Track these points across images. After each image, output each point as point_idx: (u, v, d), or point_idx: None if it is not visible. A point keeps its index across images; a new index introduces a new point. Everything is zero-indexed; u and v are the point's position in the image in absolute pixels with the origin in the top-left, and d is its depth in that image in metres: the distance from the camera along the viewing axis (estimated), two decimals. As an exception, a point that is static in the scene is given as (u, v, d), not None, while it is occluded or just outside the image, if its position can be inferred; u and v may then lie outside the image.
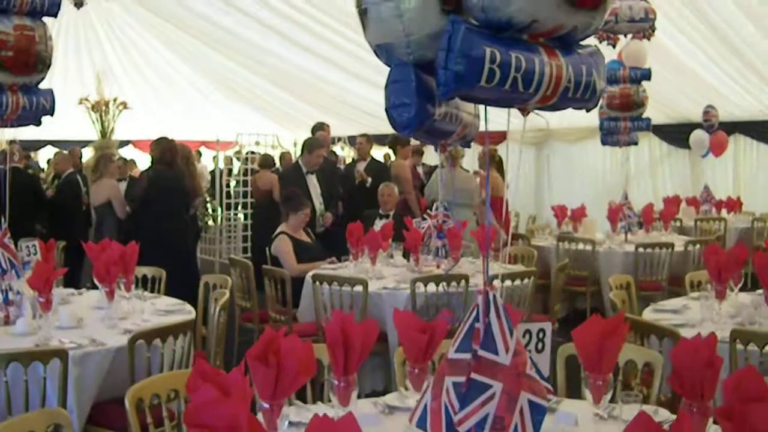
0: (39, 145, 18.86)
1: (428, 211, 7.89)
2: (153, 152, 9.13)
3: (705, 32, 11.36)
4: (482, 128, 2.48)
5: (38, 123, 6.08)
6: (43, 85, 5.92)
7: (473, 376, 2.39)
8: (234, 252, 13.91)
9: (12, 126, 5.97)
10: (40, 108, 5.90)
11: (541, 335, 2.70)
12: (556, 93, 2.57)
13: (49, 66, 5.77)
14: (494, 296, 2.44)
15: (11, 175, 6.23)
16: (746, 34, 11.22)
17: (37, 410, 4.10)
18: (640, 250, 9.05)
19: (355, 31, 12.76)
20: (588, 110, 2.93)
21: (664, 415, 3.42)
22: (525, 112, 2.81)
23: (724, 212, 13.26)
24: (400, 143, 11.04)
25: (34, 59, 5.59)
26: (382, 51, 2.68)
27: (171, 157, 9.03)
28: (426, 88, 2.58)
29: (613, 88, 9.78)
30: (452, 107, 2.63)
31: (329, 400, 3.45)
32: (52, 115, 6.05)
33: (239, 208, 14.21)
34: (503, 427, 2.36)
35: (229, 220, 14.57)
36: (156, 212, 8.86)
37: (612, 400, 3.31)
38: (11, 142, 8.64)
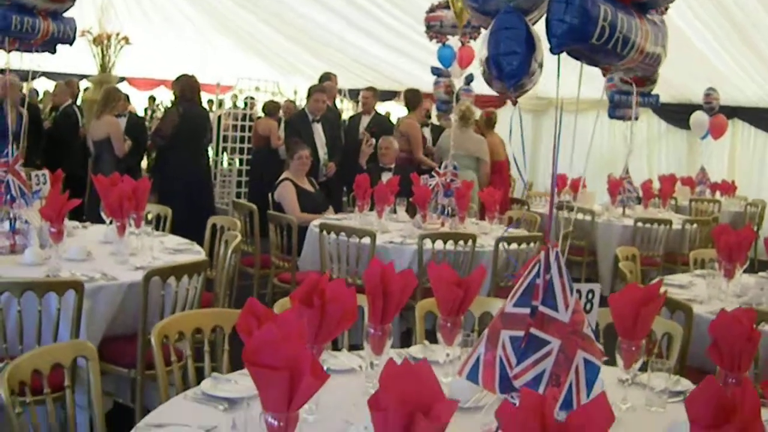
0: (33, 75, 18.62)
1: (437, 169, 7.87)
2: (175, 90, 9.07)
3: (715, 14, 11.31)
4: (558, 100, 2.44)
5: (54, 51, 6.02)
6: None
7: (532, 331, 2.38)
8: (227, 197, 13.85)
9: (29, 51, 5.90)
10: (65, 36, 5.84)
11: (590, 296, 2.68)
12: (640, 57, 2.56)
13: (76, -4, 5.72)
14: (557, 253, 2.43)
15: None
16: (757, 18, 11.18)
17: (64, 341, 4.08)
18: (639, 224, 9.08)
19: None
20: (645, 76, 2.93)
21: (686, 385, 3.44)
22: (514, 101, 2.80)
23: (718, 194, 13.31)
24: (417, 101, 10.92)
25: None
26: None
27: (193, 94, 9.01)
28: (532, 38, 2.55)
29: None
30: (538, 62, 2.61)
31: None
32: (71, 44, 5.99)
33: (236, 153, 14.13)
34: (559, 383, 2.36)
35: (230, 164, 14.48)
36: (186, 149, 8.87)
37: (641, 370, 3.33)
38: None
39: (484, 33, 2.68)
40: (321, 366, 2.14)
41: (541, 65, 2.67)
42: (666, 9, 2.89)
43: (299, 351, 2.10)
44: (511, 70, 2.53)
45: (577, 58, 2.53)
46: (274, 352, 2.10)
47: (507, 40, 2.52)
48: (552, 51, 2.43)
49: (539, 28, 2.58)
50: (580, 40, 2.39)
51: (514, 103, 2.69)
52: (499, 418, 1.87)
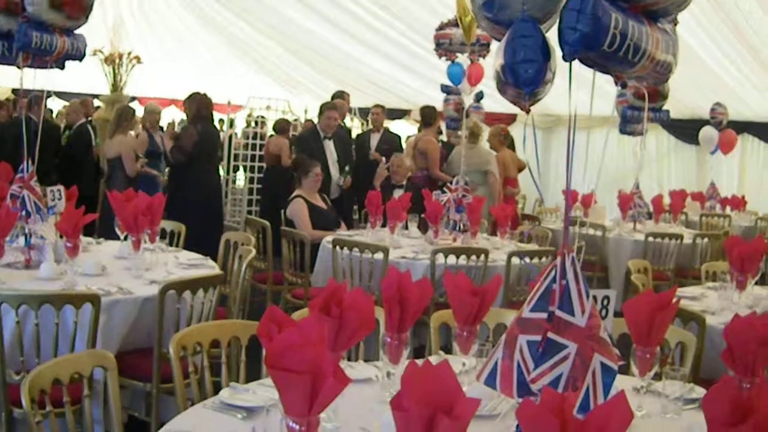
0: (48, 95, 18.69)
1: (448, 184, 7.90)
2: (189, 107, 9.13)
3: (724, 29, 11.31)
4: (570, 106, 2.48)
5: (63, 67, 6.08)
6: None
7: (549, 335, 2.41)
8: (238, 215, 13.91)
9: (42, 68, 5.96)
10: (76, 52, 5.90)
11: (605, 302, 2.71)
12: (651, 65, 2.60)
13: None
14: (572, 258, 2.45)
15: (39, 121, 6.20)
16: (766, 34, 11.19)
17: (84, 351, 4.10)
18: (650, 239, 9.08)
19: (373, 2, 12.75)
20: (656, 84, 2.96)
21: (700, 392, 3.45)
22: (527, 109, 2.83)
23: (728, 209, 13.30)
24: (433, 118, 10.96)
25: (87, 2, 5.60)
26: (494, 4, 2.67)
27: (207, 112, 9.08)
28: (547, 46, 2.59)
29: (643, 77, 9.72)
30: (552, 71, 2.64)
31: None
32: (81, 60, 6.05)
33: (246, 171, 14.20)
34: (576, 387, 2.38)
35: (243, 182, 14.53)
36: (202, 165, 8.93)
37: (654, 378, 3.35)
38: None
39: (500, 43, 2.71)
40: (342, 370, 2.16)
41: (554, 75, 2.71)
42: (676, 21, 2.92)
43: (321, 355, 2.13)
44: (528, 78, 2.56)
45: (589, 66, 2.56)
46: (295, 356, 2.12)
47: (524, 48, 2.56)
48: (564, 58, 2.47)
49: (550, 36, 2.63)
50: (591, 48, 2.43)
51: (527, 111, 2.72)
52: (519, 417, 1.89)
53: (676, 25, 2.89)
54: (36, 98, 9.33)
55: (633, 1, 2.54)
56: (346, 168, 9.92)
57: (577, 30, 2.39)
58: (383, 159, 10.95)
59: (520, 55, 2.56)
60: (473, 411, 1.85)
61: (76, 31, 5.89)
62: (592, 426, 1.82)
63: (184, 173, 9.08)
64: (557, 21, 2.52)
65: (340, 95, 11.27)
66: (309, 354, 2.12)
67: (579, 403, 2.36)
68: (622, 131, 10.57)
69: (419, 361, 2.05)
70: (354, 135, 12.82)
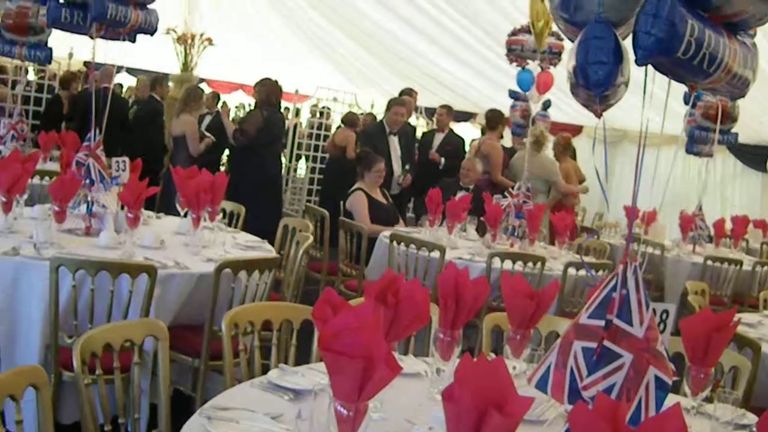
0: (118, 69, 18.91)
1: (510, 189, 7.86)
2: (259, 92, 9.17)
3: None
4: (643, 117, 2.46)
5: (134, 40, 6.14)
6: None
7: (605, 344, 2.38)
8: (297, 203, 13.98)
9: (114, 39, 6.02)
10: (148, 26, 5.96)
11: (664, 316, 2.68)
12: (727, 77, 2.56)
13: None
14: (635, 268, 2.42)
15: (108, 93, 6.26)
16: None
17: (137, 319, 4.14)
18: (709, 262, 8.95)
19: (451, 5, 12.71)
20: (734, 99, 2.93)
21: (752, 419, 3.40)
22: (599, 113, 2.79)
23: (792, 239, 13.08)
24: (498, 121, 10.92)
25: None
26: (569, 4, 2.65)
27: (276, 99, 9.12)
28: (620, 50, 2.57)
29: (712, 98, 9.62)
30: (625, 77, 2.61)
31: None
32: (152, 35, 6.10)
33: (308, 160, 14.26)
34: (629, 398, 2.35)
35: (304, 171, 14.60)
36: (264, 152, 8.98)
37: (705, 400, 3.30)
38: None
39: (573, 44, 2.69)
40: (395, 358, 2.15)
41: (626, 81, 2.68)
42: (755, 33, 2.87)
43: (375, 340, 2.12)
44: (598, 80, 2.53)
45: (662, 72, 2.53)
46: (349, 340, 2.11)
47: (596, 50, 2.53)
48: (637, 63, 2.45)
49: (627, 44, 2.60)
50: (665, 54, 2.40)
51: (599, 115, 2.69)
52: (571, 422, 1.87)
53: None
54: (106, 71, 9.44)
55: (713, 11, 2.50)
56: (406, 166, 9.93)
57: (651, 35, 2.36)
58: (441, 160, 10.92)
59: (591, 56, 2.54)
60: (525, 410, 1.83)
61: (150, 6, 5.95)
62: (645, 435, 1.80)
63: (245, 157, 9.12)
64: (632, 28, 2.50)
65: (408, 92, 11.28)
66: (363, 338, 2.11)
67: (630, 414, 2.33)
68: (689, 151, 10.42)
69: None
70: (419, 134, 12.81)
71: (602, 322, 2.43)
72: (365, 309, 2.35)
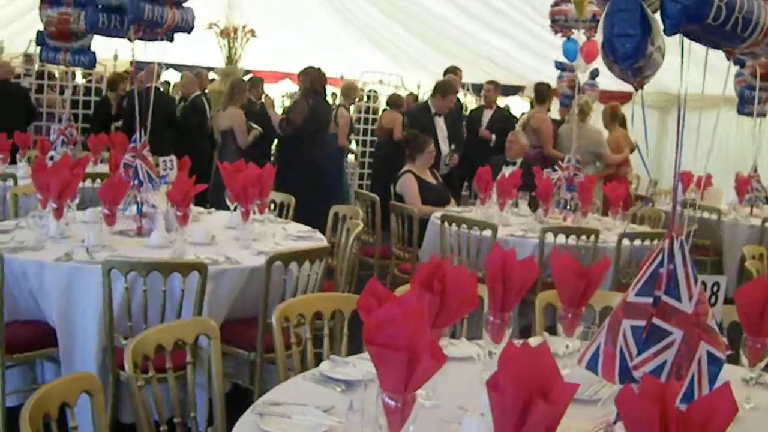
0: (162, 67, 18.99)
1: (559, 162, 7.79)
2: (303, 81, 9.16)
3: None
4: (682, 85, 2.40)
5: (172, 39, 6.16)
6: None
7: (654, 321, 2.34)
8: (350, 189, 14.00)
9: (152, 40, 6.05)
10: (185, 25, 5.98)
11: (715, 288, 2.62)
12: (766, 39, 2.48)
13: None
14: (681, 242, 2.38)
15: (150, 93, 6.31)
16: None
17: (188, 318, 4.17)
18: (767, 225, 8.81)
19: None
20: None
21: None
22: (640, 86, 2.73)
23: None
24: (547, 95, 10.85)
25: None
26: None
27: (321, 87, 9.11)
28: (647, 20, 2.51)
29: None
30: (655, 46, 2.55)
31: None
32: (189, 32, 6.13)
33: (358, 145, 14.27)
34: (680, 375, 2.31)
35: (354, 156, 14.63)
36: (313, 142, 9.00)
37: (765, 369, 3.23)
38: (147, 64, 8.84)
39: (602, 17, 2.64)
40: (440, 348, 2.14)
41: (661, 51, 2.62)
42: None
43: (419, 331, 2.10)
44: (625, 53, 2.48)
45: (696, 41, 2.47)
46: (393, 332, 2.10)
47: (621, 22, 2.48)
48: (666, 32, 2.39)
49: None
50: (694, 21, 2.34)
51: (636, 89, 2.63)
52: (619, 405, 1.84)
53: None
54: (149, 71, 9.51)
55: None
56: (452, 146, 9.88)
57: (678, 2, 2.30)
58: (492, 137, 10.87)
59: (618, 29, 2.48)
60: (571, 396, 1.81)
61: (185, 4, 5.97)
62: (693, 418, 1.76)
63: (292, 147, 9.13)
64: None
65: (452, 71, 11.24)
66: (406, 330, 2.10)
67: (683, 392, 2.29)
68: (740, 112, 10.22)
69: (517, 342, 2.00)
70: (467, 111, 12.75)
71: (650, 299, 2.38)
72: (409, 299, 2.34)
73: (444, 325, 2.85)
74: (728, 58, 2.63)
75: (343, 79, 14.42)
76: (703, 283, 2.54)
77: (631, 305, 2.42)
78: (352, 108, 13.84)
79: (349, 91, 12.44)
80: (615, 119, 10.96)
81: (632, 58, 2.48)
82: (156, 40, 5.97)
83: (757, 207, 9.80)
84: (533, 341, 3.62)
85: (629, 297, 2.43)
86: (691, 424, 1.77)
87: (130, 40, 5.80)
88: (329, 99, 11.04)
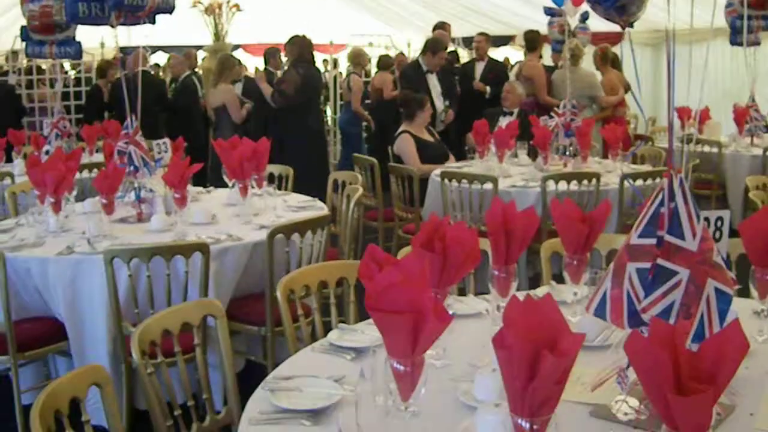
0: (148, 50, 18.91)
1: (555, 109, 7.74)
2: (290, 51, 9.07)
3: None
4: (668, 17, 2.34)
5: (154, 21, 6.11)
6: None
7: (659, 262, 2.31)
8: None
9: (134, 24, 6.00)
10: (166, 5, 5.93)
11: (719, 223, 2.59)
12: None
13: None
14: (681, 179, 2.34)
15: (138, 78, 6.27)
16: None
17: (193, 300, 4.15)
18: (768, 153, 8.77)
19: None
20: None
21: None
22: (627, 24, 2.68)
23: None
24: (537, 42, 10.78)
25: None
26: None
27: (309, 55, 9.03)
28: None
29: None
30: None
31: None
32: (171, 13, 6.08)
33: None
34: (689, 314, 2.28)
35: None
36: (307, 111, 8.95)
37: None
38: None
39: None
40: (444, 308, 2.11)
41: None
42: None
43: (421, 294, 2.07)
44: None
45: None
46: (395, 297, 2.07)
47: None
48: None
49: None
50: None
51: (623, 27, 2.59)
52: (627, 351, 1.81)
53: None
54: (136, 56, 9.45)
55: None
56: (446, 103, 9.83)
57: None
58: (487, 89, 10.81)
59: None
60: (578, 346, 1.77)
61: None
62: (705, 358, 1.73)
63: (286, 118, 9.07)
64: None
65: (441, 26, 11.15)
66: (409, 293, 2.07)
67: (693, 331, 2.26)
68: (733, 42, 10.12)
69: (521, 295, 1.97)
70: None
71: (654, 240, 2.35)
72: (409, 262, 2.31)
73: (448, 284, 2.83)
74: (622, 28, 2.57)
75: (332, 44, 14.35)
76: (706, 219, 2.50)
77: (634, 247, 2.38)
78: (344, 72, 13.81)
79: (358, 57, 12.46)
80: (606, 61, 10.88)
81: (612, -1, 2.44)
82: (138, 23, 5.91)
83: (758, 136, 9.73)
84: (540, 291, 3.63)
85: (632, 239, 2.39)
86: (702, 364, 1.74)
87: (113, 26, 5.75)
88: (320, 66, 10.97)
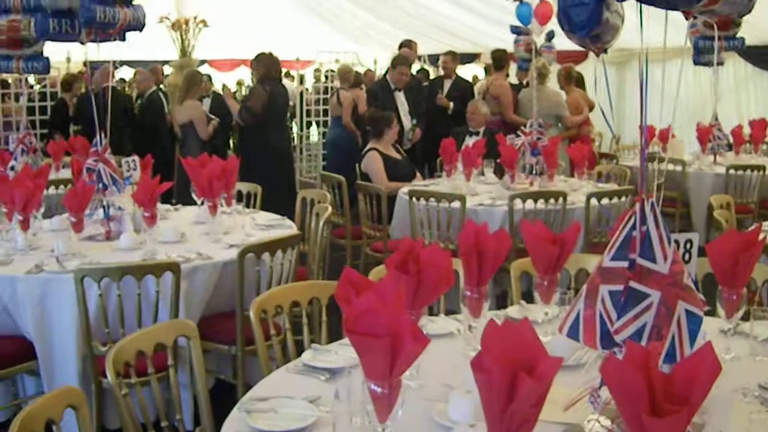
0: (115, 65, 18.79)
1: (522, 128, 7.80)
2: (257, 68, 9.09)
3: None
4: (641, 41, 2.38)
5: (124, 39, 6.10)
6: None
7: (631, 284, 2.35)
8: (314, 170, 14.00)
9: (105, 41, 5.98)
10: (137, 23, 5.92)
11: (688, 246, 2.64)
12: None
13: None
14: (652, 204, 2.38)
15: (107, 94, 6.24)
16: None
17: (166, 321, 4.14)
18: (731, 171, 8.88)
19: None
20: (740, 16, 2.84)
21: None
22: (600, 51, 2.73)
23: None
24: (504, 61, 10.86)
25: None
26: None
27: (276, 72, 9.05)
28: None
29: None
30: (612, 12, 2.54)
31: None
32: (141, 30, 6.07)
33: (319, 126, 14.27)
34: (660, 336, 2.32)
35: (308, 138, 14.62)
36: (273, 126, 8.94)
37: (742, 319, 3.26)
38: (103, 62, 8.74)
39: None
40: (421, 331, 2.14)
41: (619, 14, 2.61)
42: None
43: (399, 317, 2.11)
44: (580, 21, 2.48)
45: (652, 4, 2.46)
46: (374, 320, 2.10)
47: (575, -9, 2.47)
48: None
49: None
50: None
51: (597, 54, 2.63)
52: (603, 373, 1.85)
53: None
54: (104, 71, 9.40)
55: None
56: (414, 121, 9.88)
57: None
58: (450, 104, 10.88)
59: (570, -1, 2.48)
60: (556, 370, 1.81)
61: (136, 2, 5.90)
62: (679, 380, 1.78)
63: (253, 135, 9.08)
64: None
65: (407, 44, 11.20)
66: (387, 317, 2.10)
67: (665, 352, 2.30)
68: (696, 62, 10.24)
69: (499, 316, 2.01)
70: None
71: (626, 263, 2.39)
72: (386, 285, 2.34)
73: (423, 305, 2.87)
74: (686, 18, 2.62)
75: (299, 60, 14.37)
76: (676, 242, 2.55)
77: (607, 270, 2.43)
78: (310, 88, 13.83)
79: (345, 73, 12.49)
80: (570, 80, 11.00)
81: (587, 27, 2.48)
82: (109, 40, 5.90)
83: (720, 155, 9.87)
84: (510, 311, 3.67)
85: (605, 262, 2.44)
86: (676, 386, 1.78)
87: (83, 43, 5.73)
88: (286, 82, 10.98)
